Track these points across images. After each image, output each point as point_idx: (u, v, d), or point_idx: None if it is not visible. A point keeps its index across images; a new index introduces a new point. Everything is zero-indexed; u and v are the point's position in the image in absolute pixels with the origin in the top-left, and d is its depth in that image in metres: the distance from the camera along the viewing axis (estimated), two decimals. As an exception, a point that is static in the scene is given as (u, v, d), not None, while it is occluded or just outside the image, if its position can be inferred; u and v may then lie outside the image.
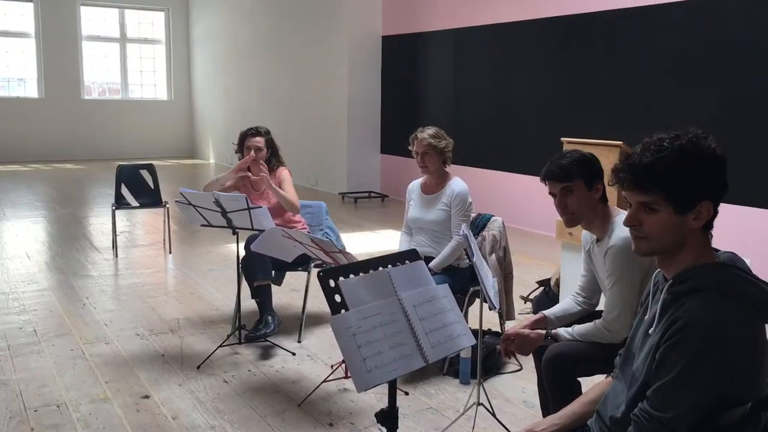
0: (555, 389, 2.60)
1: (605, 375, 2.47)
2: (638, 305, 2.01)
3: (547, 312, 2.81)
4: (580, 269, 2.86)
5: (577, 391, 2.54)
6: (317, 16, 11.27)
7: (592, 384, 2.11)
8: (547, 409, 2.71)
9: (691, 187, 1.64)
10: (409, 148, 4.07)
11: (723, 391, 1.58)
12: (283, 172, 4.63)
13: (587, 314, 2.83)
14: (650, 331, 1.74)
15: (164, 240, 7.07)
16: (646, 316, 1.81)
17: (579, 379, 2.63)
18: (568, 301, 2.86)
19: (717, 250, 1.77)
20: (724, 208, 1.77)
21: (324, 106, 11.28)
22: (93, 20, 15.43)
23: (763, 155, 5.81)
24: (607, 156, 3.88)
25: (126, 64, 15.90)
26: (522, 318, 4.54)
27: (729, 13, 6.05)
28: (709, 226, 1.71)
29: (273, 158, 4.63)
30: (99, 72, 15.75)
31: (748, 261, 1.80)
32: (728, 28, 6.06)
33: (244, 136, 4.62)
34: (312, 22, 11.43)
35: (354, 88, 10.65)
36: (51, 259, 6.56)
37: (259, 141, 4.57)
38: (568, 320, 2.81)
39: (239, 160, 4.68)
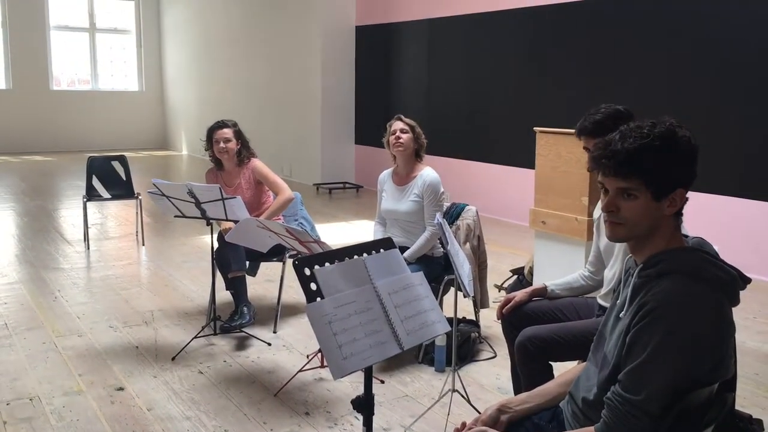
0: (527, 372, 2.64)
1: (578, 360, 2.52)
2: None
3: (548, 283, 2.91)
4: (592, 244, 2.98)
5: (549, 375, 2.58)
6: (290, 6, 11.20)
7: (564, 371, 2.14)
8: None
9: (669, 174, 1.68)
10: (383, 139, 4.09)
11: (692, 372, 1.61)
12: (258, 164, 4.60)
13: (590, 289, 2.90)
14: (621, 315, 1.78)
15: (137, 232, 7.01)
16: (618, 300, 1.85)
17: (552, 364, 2.67)
18: (573, 275, 2.94)
19: (686, 236, 1.81)
20: (696, 196, 1.81)
21: (298, 96, 11.22)
22: (61, 10, 15.16)
23: (731, 145, 5.91)
24: (580, 145, 3.92)
25: (95, 55, 15.67)
26: (496, 306, 4.58)
27: (704, 5, 6.13)
28: (680, 212, 1.75)
29: (244, 150, 4.60)
30: (68, 62, 15.50)
31: (716, 248, 1.84)
32: (703, 21, 6.14)
33: (212, 131, 4.58)
34: (285, 12, 11.36)
35: (328, 79, 10.61)
36: (21, 251, 6.47)
37: (227, 132, 4.53)
38: (569, 294, 2.92)
39: (210, 156, 4.64)
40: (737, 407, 1.87)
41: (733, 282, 1.70)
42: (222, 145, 4.50)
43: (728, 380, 1.71)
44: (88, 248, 6.59)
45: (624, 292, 1.81)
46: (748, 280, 1.75)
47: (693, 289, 1.64)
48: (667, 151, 1.67)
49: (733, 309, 1.71)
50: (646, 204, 1.70)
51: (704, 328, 1.61)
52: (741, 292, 1.74)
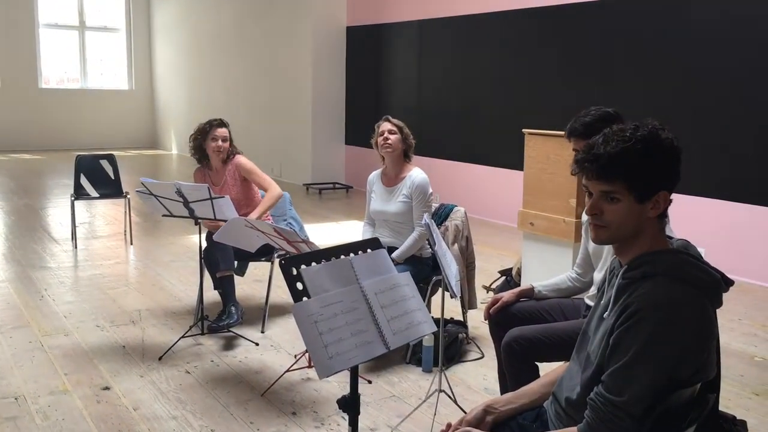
0: (513, 372, 2.65)
1: (563, 361, 2.53)
2: None
3: (536, 284, 2.92)
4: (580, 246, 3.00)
5: (534, 375, 2.59)
6: (281, 6, 11.19)
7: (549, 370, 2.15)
8: (507, 395, 2.76)
9: (652, 177, 1.69)
10: (371, 140, 4.09)
11: (674, 373, 1.63)
12: (242, 159, 4.55)
13: (577, 291, 2.91)
14: (605, 315, 1.78)
15: (125, 231, 6.98)
16: (602, 301, 1.86)
17: (538, 365, 2.69)
18: (561, 276, 2.95)
19: (671, 238, 1.82)
20: (683, 199, 1.82)
21: (288, 96, 11.21)
22: (51, 7, 15.08)
23: (716, 148, 5.95)
24: (568, 147, 3.94)
25: (85, 53, 15.60)
26: (484, 306, 4.59)
27: (690, 5, 6.17)
28: (664, 214, 1.76)
29: (231, 147, 4.59)
30: (57, 60, 15.42)
31: (702, 250, 1.86)
32: (686, 20, 6.18)
33: (211, 126, 4.52)
34: (276, 12, 11.34)
35: (318, 79, 10.60)
36: (8, 250, 6.43)
37: (225, 132, 4.53)
38: (556, 295, 2.94)
39: (191, 149, 4.58)
40: (722, 408, 1.89)
41: (716, 284, 1.71)
42: (220, 143, 4.48)
43: (710, 381, 1.72)
44: (76, 247, 6.56)
45: (608, 292, 1.82)
46: (731, 283, 1.76)
47: (676, 292, 1.65)
48: (649, 155, 1.68)
49: (718, 311, 1.73)
50: (630, 207, 1.70)
51: (687, 330, 1.62)
52: (726, 295, 1.75)
